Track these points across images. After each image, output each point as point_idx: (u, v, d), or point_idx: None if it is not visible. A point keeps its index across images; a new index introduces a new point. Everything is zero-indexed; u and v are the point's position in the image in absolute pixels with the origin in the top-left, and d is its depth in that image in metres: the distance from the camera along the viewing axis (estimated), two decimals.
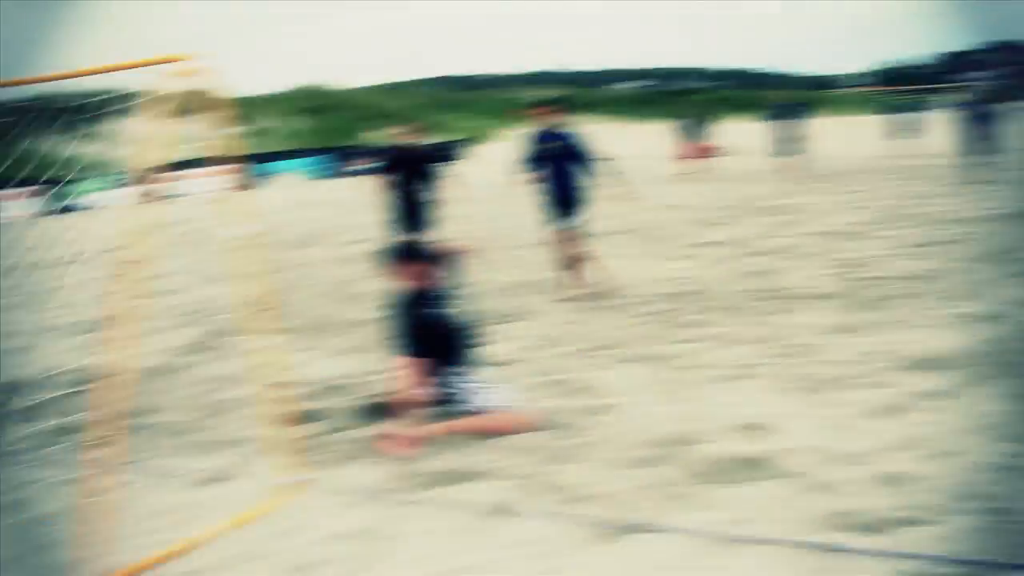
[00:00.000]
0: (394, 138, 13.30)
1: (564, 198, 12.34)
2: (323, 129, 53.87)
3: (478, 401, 7.53)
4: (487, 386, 7.62)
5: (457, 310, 7.78)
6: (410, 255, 7.71)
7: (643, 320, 10.99)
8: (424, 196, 13.28)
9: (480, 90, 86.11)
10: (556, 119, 12.41)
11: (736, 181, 27.89)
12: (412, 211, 13.14)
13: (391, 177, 13.23)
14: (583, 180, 12.31)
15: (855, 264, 13.67)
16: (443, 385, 7.64)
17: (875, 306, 10.97)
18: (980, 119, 23.85)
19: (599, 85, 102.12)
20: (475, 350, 7.88)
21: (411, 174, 13.16)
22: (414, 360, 7.41)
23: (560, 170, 12.28)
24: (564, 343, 10.12)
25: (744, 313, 11.03)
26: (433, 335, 7.56)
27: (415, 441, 7.09)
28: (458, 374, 7.64)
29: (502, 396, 7.60)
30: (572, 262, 12.58)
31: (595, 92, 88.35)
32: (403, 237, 11.42)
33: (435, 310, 7.61)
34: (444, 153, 13.18)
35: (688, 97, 76.72)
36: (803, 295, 11.74)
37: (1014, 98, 38.93)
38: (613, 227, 18.92)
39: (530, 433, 7.27)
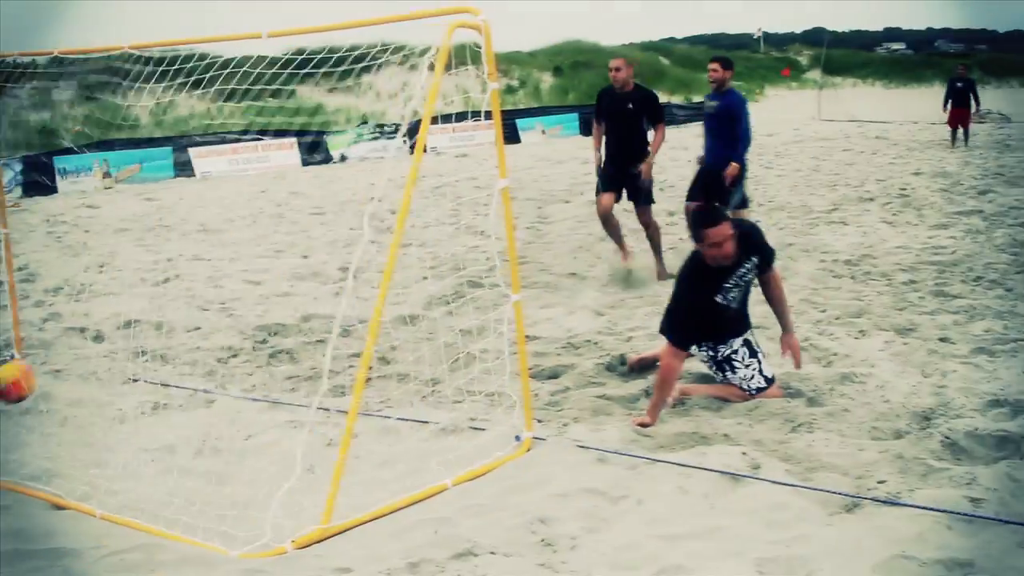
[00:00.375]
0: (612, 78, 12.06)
1: None
2: (579, 85, 53.94)
3: (748, 376, 7.40)
4: (750, 361, 7.45)
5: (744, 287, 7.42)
6: (718, 220, 7.02)
7: (895, 289, 10.68)
8: (640, 142, 12.20)
9: (741, 50, 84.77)
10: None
11: (997, 149, 26.81)
12: (629, 156, 12.00)
13: (604, 122, 12.22)
14: None
15: None
16: (709, 358, 7.53)
17: None
18: None
19: (859, 47, 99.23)
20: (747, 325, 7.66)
21: (628, 116, 11.99)
22: (682, 353, 7.18)
23: None
24: (812, 309, 9.94)
25: (1000, 286, 10.61)
26: (717, 316, 7.27)
27: (653, 413, 7.01)
28: (726, 348, 7.46)
29: (763, 371, 7.43)
30: None
31: (856, 55, 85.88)
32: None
33: (728, 288, 7.22)
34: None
35: (949, 61, 73.89)
36: None
37: None
38: (868, 193, 18.49)
39: (774, 400, 7.17)
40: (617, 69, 11.86)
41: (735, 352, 7.29)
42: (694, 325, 7.15)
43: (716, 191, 12.08)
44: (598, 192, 12.23)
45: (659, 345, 7.75)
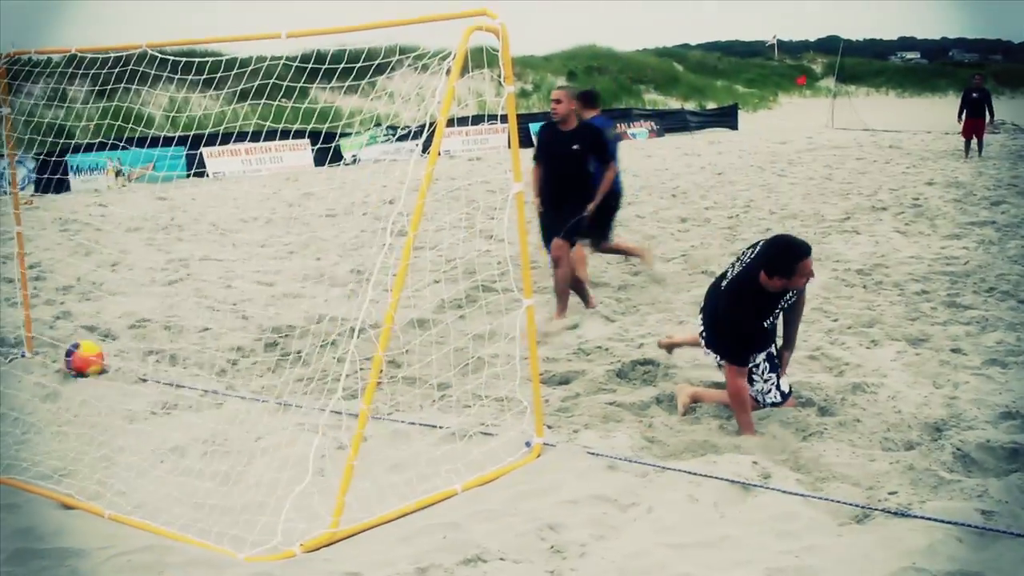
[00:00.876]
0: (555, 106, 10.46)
1: None
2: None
3: (765, 390, 7.34)
4: (769, 376, 7.39)
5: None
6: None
7: (907, 299, 10.66)
8: (585, 186, 10.50)
9: (756, 57, 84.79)
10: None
11: (1011, 160, 26.75)
12: (575, 202, 10.41)
13: (544, 162, 10.73)
14: None
15: None
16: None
17: None
18: None
19: (874, 56, 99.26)
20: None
21: (571, 158, 10.38)
22: (745, 370, 7.12)
23: None
24: (824, 318, 9.92)
25: (1013, 297, 10.57)
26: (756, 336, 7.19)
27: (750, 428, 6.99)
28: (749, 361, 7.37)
29: (783, 383, 7.38)
30: None
31: (870, 64, 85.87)
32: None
33: (779, 312, 7.22)
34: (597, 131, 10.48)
35: (963, 70, 73.85)
36: None
37: None
38: (881, 202, 18.47)
39: (786, 409, 7.15)
40: (557, 101, 10.35)
41: (756, 366, 7.25)
42: (750, 343, 7.14)
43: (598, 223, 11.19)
44: (544, 242, 10.69)
45: (689, 330, 7.77)
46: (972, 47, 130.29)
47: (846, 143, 34.51)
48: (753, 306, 7.04)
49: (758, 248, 7.18)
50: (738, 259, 7.34)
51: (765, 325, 7.12)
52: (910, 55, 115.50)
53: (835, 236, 14.80)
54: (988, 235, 14.55)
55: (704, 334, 7.50)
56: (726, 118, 47.70)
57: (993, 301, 10.45)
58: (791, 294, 7.08)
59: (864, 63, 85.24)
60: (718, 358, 7.33)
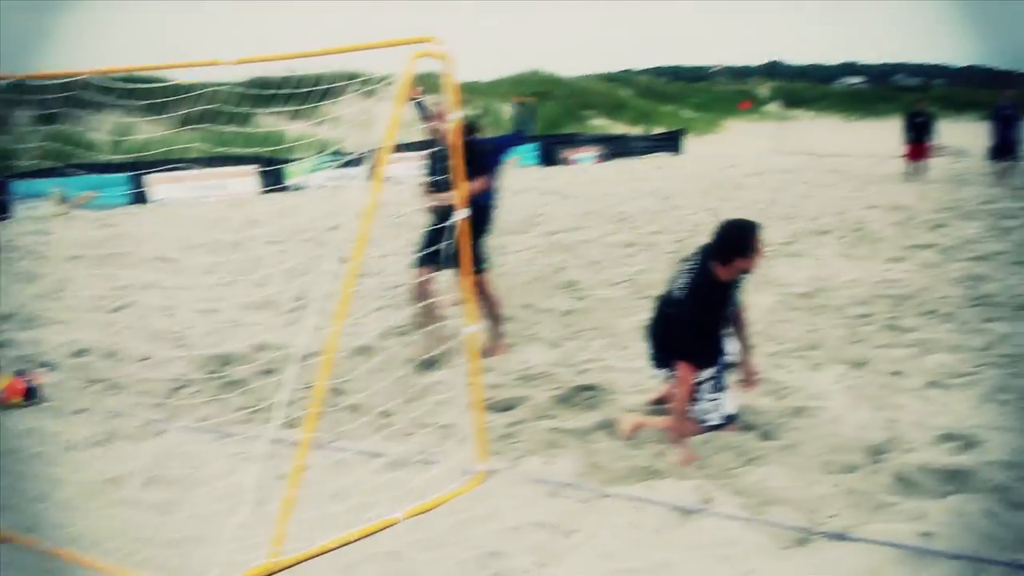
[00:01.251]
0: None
1: None
2: (539, 116, 54.11)
3: (709, 410, 7.36)
4: (714, 395, 7.42)
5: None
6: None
7: (849, 322, 10.74)
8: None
9: (702, 81, 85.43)
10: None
11: (955, 183, 27.03)
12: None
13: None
14: None
15: None
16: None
17: None
18: None
19: (817, 80, 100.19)
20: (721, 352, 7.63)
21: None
22: (699, 371, 7.18)
23: None
24: (766, 342, 9.97)
25: (955, 319, 10.69)
26: (714, 336, 7.27)
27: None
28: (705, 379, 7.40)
29: (728, 405, 7.41)
30: None
31: (815, 88, 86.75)
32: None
33: (731, 304, 7.27)
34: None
35: (907, 94, 74.66)
36: (1019, 304, 11.28)
37: None
38: (824, 226, 18.61)
39: (728, 433, 7.18)
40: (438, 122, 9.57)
41: (702, 383, 7.27)
42: (709, 344, 7.22)
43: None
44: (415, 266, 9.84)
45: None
46: (915, 71, 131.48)
47: (791, 167, 34.77)
48: (713, 302, 7.11)
49: (703, 248, 7.25)
50: (682, 271, 7.36)
51: (719, 320, 7.19)
52: (855, 79, 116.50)
53: (780, 260, 14.88)
54: (929, 258, 14.70)
55: (655, 354, 7.54)
56: (672, 143, 48.00)
57: (934, 323, 10.55)
58: (739, 286, 7.18)
59: (809, 87, 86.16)
60: (669, 371, 7.36)
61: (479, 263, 9.31)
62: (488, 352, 9.62)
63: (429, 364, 9.00)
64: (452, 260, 8.26)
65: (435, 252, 8.75)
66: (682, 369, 7.04)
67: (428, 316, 9.41)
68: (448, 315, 9.68)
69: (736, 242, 6.99)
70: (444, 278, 9.64)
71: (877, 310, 11.25)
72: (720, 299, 7.13)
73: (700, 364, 7.10)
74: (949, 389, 8.18)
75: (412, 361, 9.41)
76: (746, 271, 7.08)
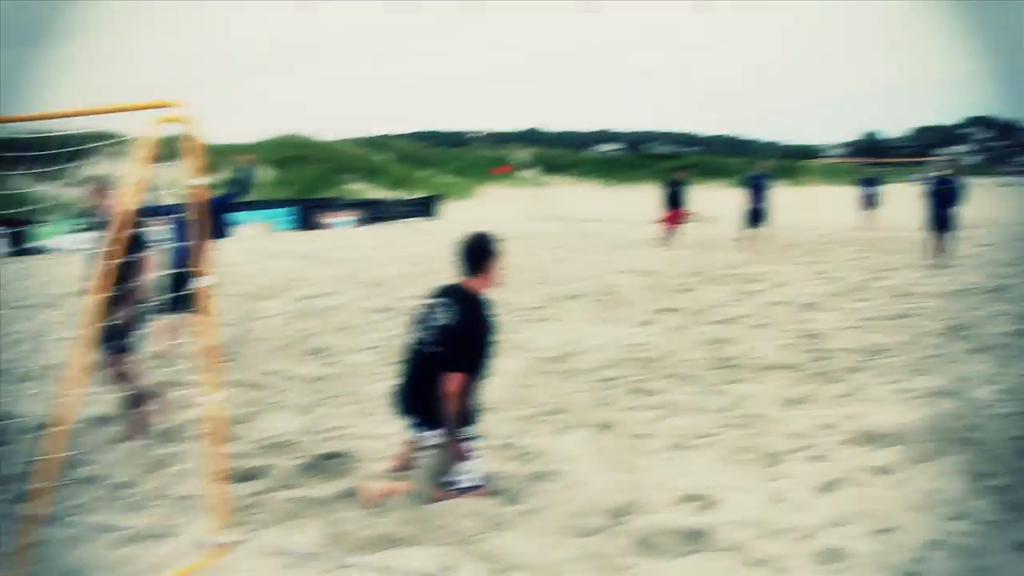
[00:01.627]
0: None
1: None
2: (297, 180, 53.85)
3: (458, 473, 7.33)
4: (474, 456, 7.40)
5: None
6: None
7: (596, 386, 10.95)
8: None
9: (460, 147, 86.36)
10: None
11: (705, 248, 27.98)
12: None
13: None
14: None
15: (815, 336, 13.79)
16: (423, 441, 7.42)
17: (832, 378, 11.05)
18: (945, 194, 23.71)
19: (574, 147, 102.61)
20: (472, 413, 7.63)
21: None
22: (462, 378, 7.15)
23: None
24: (514, 406, 10.07)
25: (699, 382, 11.03)
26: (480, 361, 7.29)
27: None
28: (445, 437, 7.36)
29: (477, 470, 7.41)
30: None
31: (572, 155, 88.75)
32: None
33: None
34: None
35: (662, 162, 77.09)
36: (760, 366, 11.78)
37: (989, 172, 39.58)
38: (576, 291, 18.96)
39: (474, 498, 7.20)
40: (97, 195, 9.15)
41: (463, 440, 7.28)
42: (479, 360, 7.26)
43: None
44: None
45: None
46: (669, 139, 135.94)
47: (546, 232, 35.38)
48: (477, 317, 7.23)
49: (447, 285, 7.50)
50: (430, 309, 7.38)
51: (486, 347, 7.28)
52: (611, 146, 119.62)
53: (530, 325, 15.09)
54: (676, 321, 15.16)
55: (408, 404, 7.50)
56: (428, 208, 48.41)
57: (678, 386, 10.85)
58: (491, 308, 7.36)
59: (567, 154, 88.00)
60: (422, 422, 7.33)
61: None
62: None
63: (164, 435, 8.79)
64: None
65: (118, 333, 8.53)
66: (451, 380, 7.07)
67: (130, 394, 9.02)
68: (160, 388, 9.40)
69: (481, 249, 7.39)
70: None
71: (624, 373, 11.51)
72: (481, 316, 7.26)
73: (471, 371, 7.18)
74: (690, 450, 8.42)
75: (145, 432, 9.04)
76: (496, 279, 7.44)
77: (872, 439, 8.57)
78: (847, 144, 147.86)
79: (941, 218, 23.44)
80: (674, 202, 29.49)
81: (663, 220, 29.68)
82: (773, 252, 26.32)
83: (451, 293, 7.35)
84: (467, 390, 7.17)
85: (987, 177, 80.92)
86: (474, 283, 7.33)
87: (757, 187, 27.32)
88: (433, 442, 7.26)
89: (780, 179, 28.78)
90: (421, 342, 7.42)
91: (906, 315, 15.44)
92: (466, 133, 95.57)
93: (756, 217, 27.30)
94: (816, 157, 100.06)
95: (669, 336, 13.93)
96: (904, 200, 35.45)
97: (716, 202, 37.64)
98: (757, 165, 28.46)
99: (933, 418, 9.21)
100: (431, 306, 7.44)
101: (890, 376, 11.07)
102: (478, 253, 7.38)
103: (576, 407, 10.02)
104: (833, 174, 72.16)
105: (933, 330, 14.01)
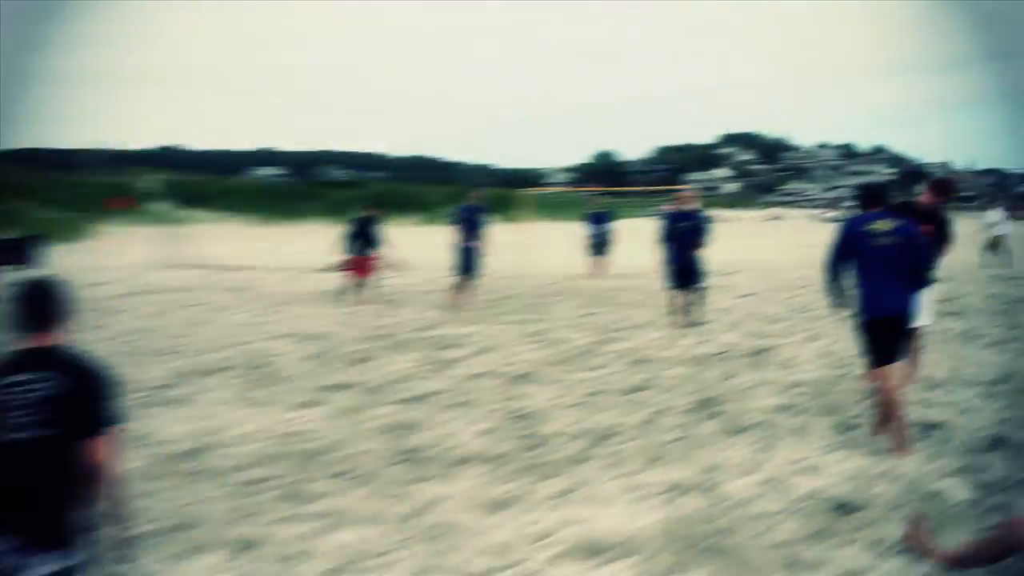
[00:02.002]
0: None
1: None
2: None
3: None
4: None
5: None
6: None
7: (237, 491, 10.73)
8: None
9: (71, 170, 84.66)
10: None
11: (392, 304, 27.95)
12: None
13: None
14: None
15: (527, 416, 13.95)
16: None
17: (547, 472, 11.15)
18: (687, 233, 23.65)
19: (222, 171, 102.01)
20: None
21: None
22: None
23: None
24: (125, 520, 9.76)
25: (375, 481, 10.95)
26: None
27: None
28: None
29: None
30: None
31: (219, 181, 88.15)
32: None
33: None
34: None
35: (338, 191, 77.24)
36: (455, 458, 11.80)
37: (752, 202, 41.02)
38: (216, 363, 18.66)
39: None
40: None
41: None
42: None
43: None
44: None
45: None
46: (347, 162, 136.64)
47: (180, 285, 34.81)
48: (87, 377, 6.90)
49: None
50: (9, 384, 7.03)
51: None
52: (271, 171, 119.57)
53: (154, 409, 14.75)
54: (349, 401, 15.07)
55: None
56: (18, 252, 46.99)
57: (348, 487, 10.75)
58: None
59: (212, 180, 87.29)
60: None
61: None
62: None
63: None
64: None
65: None
66: (98, 449, 6.74)
67: None
68: None
69: (48, 299, 6.97)
70: None
71: (276, 472, 11.34)
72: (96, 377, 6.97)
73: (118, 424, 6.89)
74: (361, 574, 8.30)
75: None
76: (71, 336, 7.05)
77: (597, 550, 8.66)
78: (575, 168, 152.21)
79: (683, 265, 23.75)
80: (361, 245, 29.13)
81: (345, 268, 29.38)
82: (479, 307, 26.51)
83: (43, 359, 7.00)
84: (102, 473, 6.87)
85: (750, 209, 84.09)
86: (48, 341, 6.91)
87: (471, 223, 27.12)
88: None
89: (494, 213, 28.65)
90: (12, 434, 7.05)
91: (643, 387, 15.80)
92: (80, 152, 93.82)
93: (469, 261, 27.13)
94: (537, 185, 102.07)
95: (338, 421, 13.83)
96: (643, 239, 36.17)
97: (409, 243, 37.74)
98: (472, 195, 28.40)
99: (674, 521, 9.36)
100: (13, 383, 7.07)
101: (621, 468, 11.24)
102: (45, 305, 6.95)
103: (209, 520, 9.80)
104: (556, 207, 73.70)
105: (676, 407, 14.35)
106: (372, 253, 29.18)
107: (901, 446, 11.69)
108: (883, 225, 11.94)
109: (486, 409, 14.47)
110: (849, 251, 12.06)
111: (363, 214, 29.82)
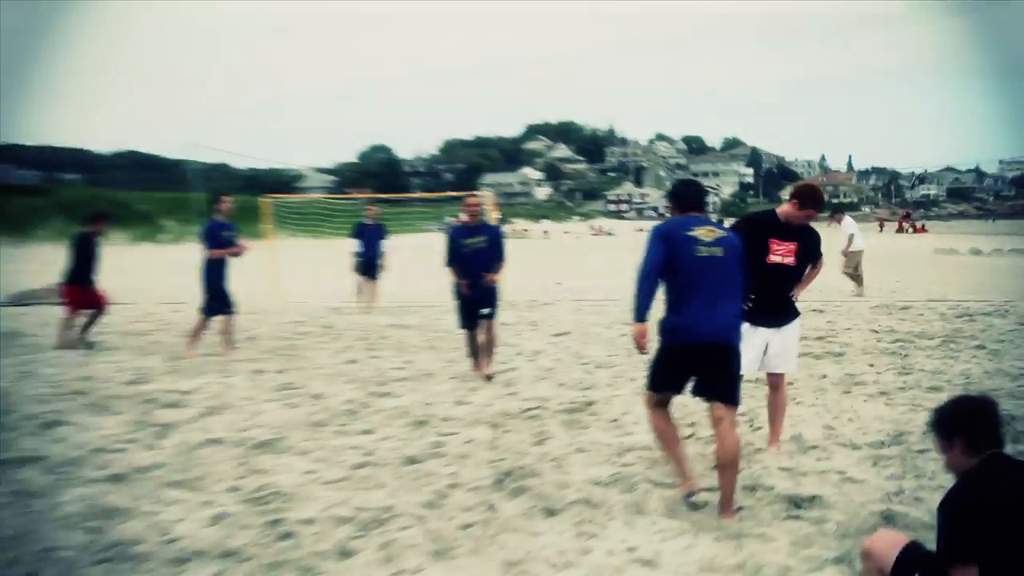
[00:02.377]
0: None
1: None
2: None
3: None
4: None
5: None
6: None
7: None
8: None
9: None
10: None
11: (99, 348, 27.62)
12: None
13: None
14: None
15: (272, 497, 13.72)
16: None
17: (299, 571, 11.03)
18: (484, 253, 22.90)
19: None
20: None
21: None
22: None
23: None
24: None
25: None
26: None
27: None
28: None
29: None
30: None
31: None
32: None
33: None
34: None
35: (25, 198, 76.52)
36: (173, 555, 11.49)
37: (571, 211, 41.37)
38: None
39: None
40: None
41: None
42: None
43: None
44: None
45: None
46: (29, 158, 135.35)
47: None
48: None
49: None
50: None
51: None
52: None
53: None
54: (28, 483, 14.63)
55: None
56: None
57: None
58: None
59: None
60: None
61: None
62: None
63: None
64: None
65: None
66: None
67: None
68: None
69: None
70: None
71: None
72: None
73: None
74: None
75: None
76: None
77: None
78: (339, 170, 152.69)
79: (477, 294, 23.26)
80: (81, 270, 28.41)
81: (64, 299, 28.71)
82: (209, 352, 26.23)
83: None
84: None
85: (567, 220, 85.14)
86: None
87: (220, 241, 26.45)
88: None
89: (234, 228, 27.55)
90: None
91: (426, 457, 15.68)
92: None
93: (219, 291, 26.67)
94: (288, 191, 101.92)
95: (10, 510, 13.38)
96: (428, 258, 36.08)
97: (123, 266, 37.54)
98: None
99: None
100: None
101: (397, 563, 11.11)
102: None
103: None
104: (313, 218, 73.64)
105: (471, 481, 14.24)
106: (93, 282, 28.42)
107: (727, 508, 11.83)
108: (707, 234, 12.04)
109: (218, 488, 14.21)
110: (669, 261, 12.07)
111: (84, 231, 28.93)
